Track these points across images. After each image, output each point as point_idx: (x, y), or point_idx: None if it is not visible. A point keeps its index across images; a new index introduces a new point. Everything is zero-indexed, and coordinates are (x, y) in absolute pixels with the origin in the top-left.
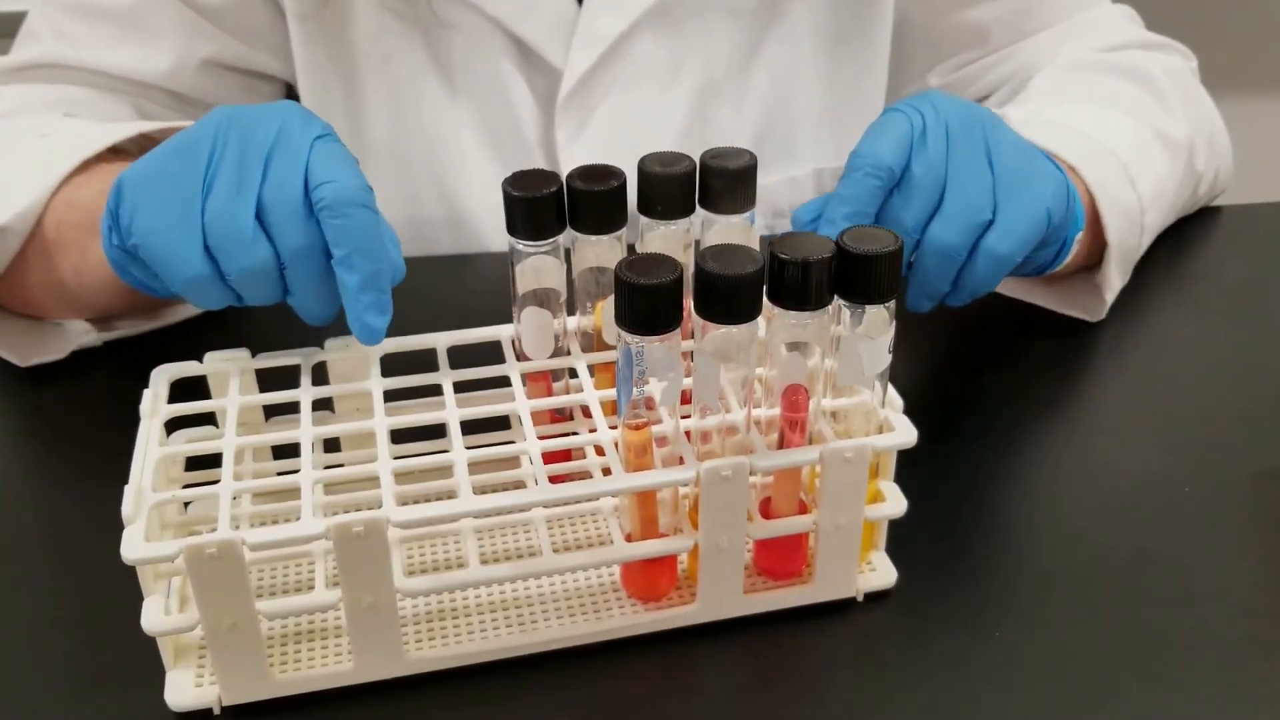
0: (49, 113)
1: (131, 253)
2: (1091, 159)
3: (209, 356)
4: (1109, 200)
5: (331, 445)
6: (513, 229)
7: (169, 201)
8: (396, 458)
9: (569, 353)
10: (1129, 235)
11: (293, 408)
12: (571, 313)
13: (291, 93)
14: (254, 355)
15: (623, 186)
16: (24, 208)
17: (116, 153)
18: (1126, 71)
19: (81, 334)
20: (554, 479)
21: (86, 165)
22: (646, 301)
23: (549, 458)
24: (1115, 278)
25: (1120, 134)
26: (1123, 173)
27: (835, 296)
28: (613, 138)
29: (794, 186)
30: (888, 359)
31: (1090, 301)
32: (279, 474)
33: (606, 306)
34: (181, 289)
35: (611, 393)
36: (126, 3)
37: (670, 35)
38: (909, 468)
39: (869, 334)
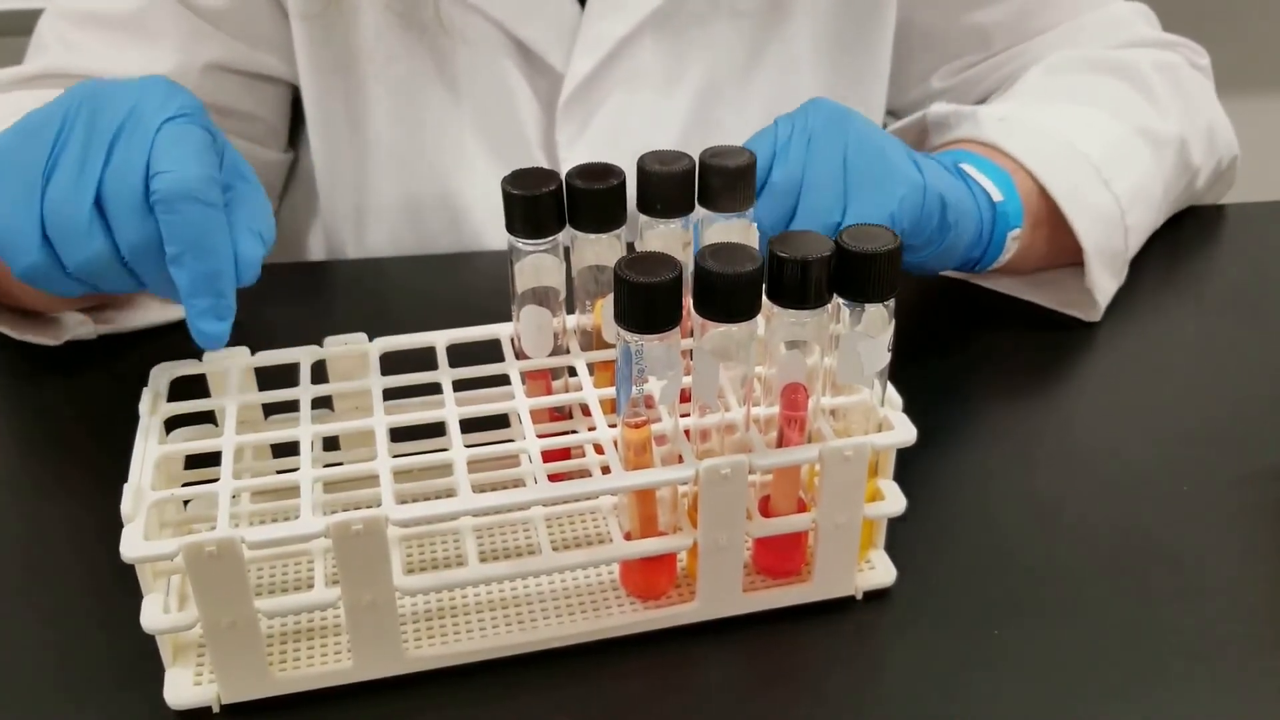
0: None
1: None
2: (1054, 163)
3: (208, 355)
4: (1078, 205)
5: (331, 443)
6: (512, 227)
7: (11, 185)
8: (396, 456)
9: (568, 351)
10: (1109, 237)
11: (292, 406)
12: (571, 311)
13: (297, 94)
14: (253, 353)
15: (622, 185)
16: None
17: None
18: (1113, 68)
19: (77, 325)
20: (553, 477)
21: None
22: (646, 300)
23: (548, 456)
24: (1103, 279)
25: (1097, 135)
26: (1094, 175)
27: (834, 295)
28: (614, 140)
29: None
30: (887, 357)
31: (1084, 303)
32: (278, 472)
33: (606, 305)
34: (22, 278)
35: (611, 391)
36: (129, 9)
37: (672, 39)
38: (908, 466)
39: (868, 332)
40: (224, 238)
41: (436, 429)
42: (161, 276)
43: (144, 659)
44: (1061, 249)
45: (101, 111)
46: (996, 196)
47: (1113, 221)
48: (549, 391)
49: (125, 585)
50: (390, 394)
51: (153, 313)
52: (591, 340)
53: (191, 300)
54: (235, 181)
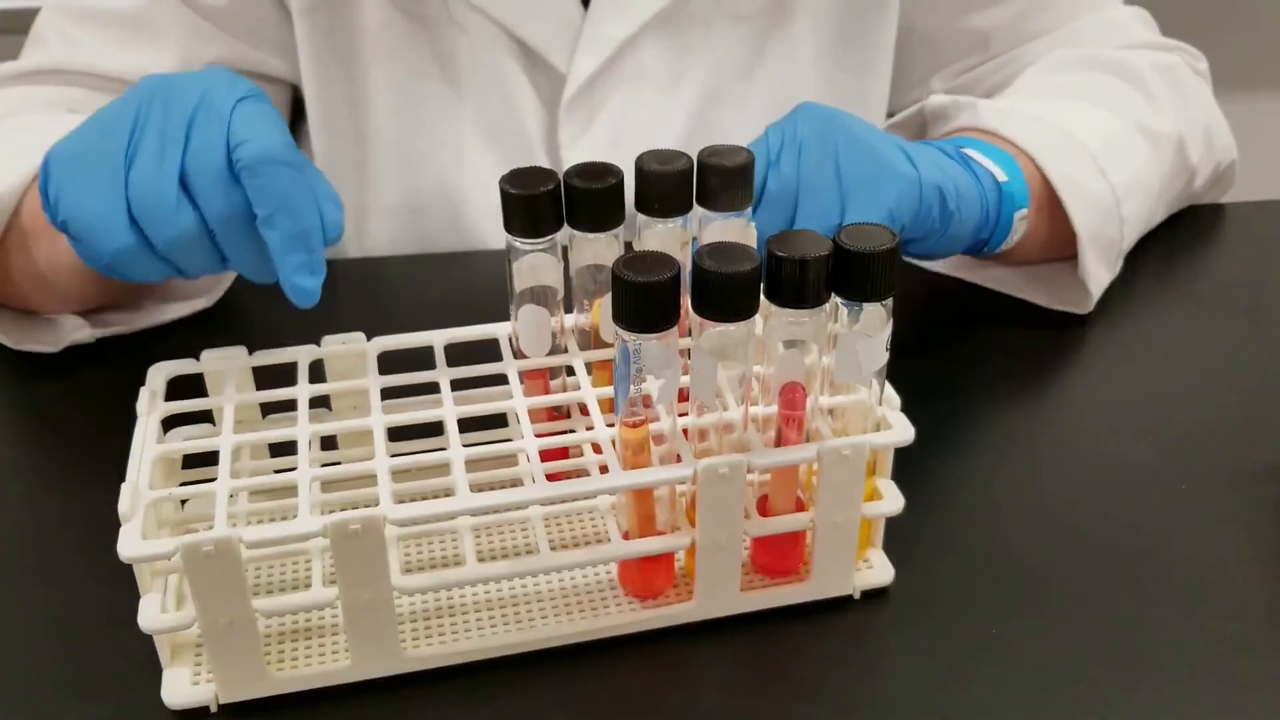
0: (52, 110)
1: (64, 229)
2: (1053, 149)
3: (206, 354)
4: (1073, 190)
5: (329, 443)
6: (510, 226)
7: (93, 175)
8: (394, 455)
9: (566, 350)
10: (1104, 225)
11: (290, 405)
12: (569, 310)
13: (298, 95)
14: (251, 353)
15: (620, 184)
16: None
17: None
18: (1111, 67)
19: (75, 329)
20: (551, 477)
21: None
22: (644, 299)
23: (546, 455)
24: (1096, 267)
25: (1096, 127)
26: (1091, 163)
27: (832, 294)
28: (616, 140)
29: None
30: (885, 356)
31: (1077, 295)
32: (276, 471)
33: (604, 304)
34: (112, 262)
35: (609, 390)
36: (131, 7)
37: (675, 40)
38: (906, 465)
39: (866, 331)
40: (310, 196)
41: (434, 428)
42: (246, 247)
43: (142, 659)
44: (1061, 237)
45: (174, 100)
46: (1001, 177)
47: (1108, 210)
48: (547, 391)
49: (123, 585)
50: (388, 393)
51: (150, 315)
52: (589, 339)
53: (286, 257)
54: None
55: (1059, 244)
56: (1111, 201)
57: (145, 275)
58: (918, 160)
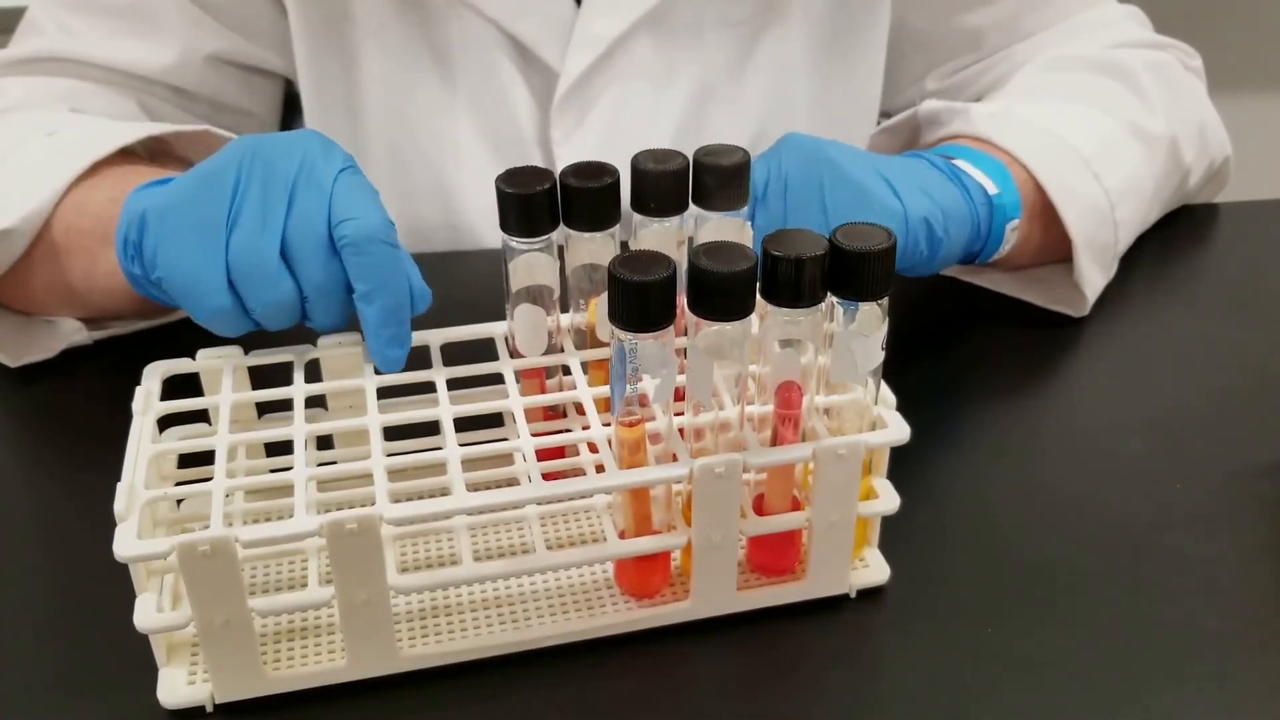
0: (55, 107)
1: (156, 284)
2: (1046, 155)
3: (202, 353)
4: (1067, 196)
5: (324, 442)
6: (506, 226)
7: (193, 235)
8: (389, 455)
9: (562, 350)
10: (1099, 230)
11: (286, 405)
12: (565, 310)
13: (291, 89)
14: (247, 352)
15: (616, 183)
16: (31, 210)
17: (124, 154)
18: (1105, 67)
19: (73, 333)
20: (547, 476)
21: (96, 168)
22: (640, 298)
23: (542, 455)
24: (1091, 272)
25: (1088, 130)
26: (1085, 168)
27: (828, 293)
28: (609, 137)
29: None
30: (880, 356)
31: (1073, 297)
32: (272, 471)
33: (600, 303)
34: (204, 321)
35: (605, 390)
36: None
37: (666, 39)
38: (901, 464)
39: (862, 331)
40: (403, 275)
41: (430, 428)
42: (334, 313)
43: (137, 659)
44: (1055, 242)
45: (275, 164)
46: (992, 190)
47: (1102, 215)
48: (543, 390)
49: (118, 584)
50: (384, 393)
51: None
52: (585, 339)
53: (380, 331)
54: None
55: (1053, 248)
56: (1106, 207)
57: (231, 332)
58: (903, 192)
